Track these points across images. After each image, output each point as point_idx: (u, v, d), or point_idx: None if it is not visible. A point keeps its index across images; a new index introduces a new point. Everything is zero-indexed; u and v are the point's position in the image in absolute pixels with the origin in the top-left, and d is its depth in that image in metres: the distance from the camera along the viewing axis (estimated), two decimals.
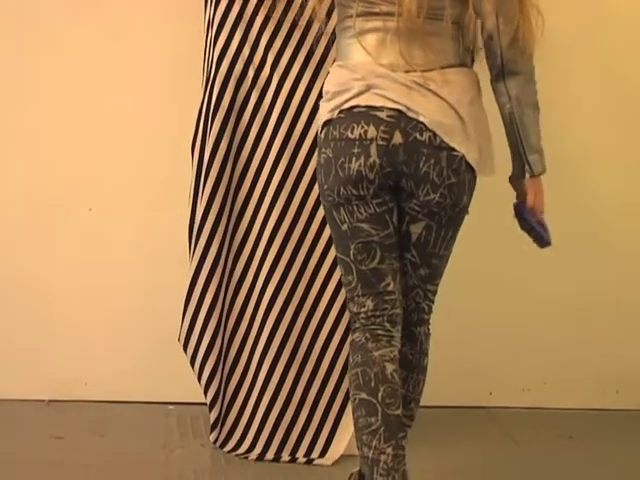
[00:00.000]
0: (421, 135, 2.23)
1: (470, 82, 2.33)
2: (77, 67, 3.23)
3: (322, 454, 3.00)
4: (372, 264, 2.31)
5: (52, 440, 3.04)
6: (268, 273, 2.94)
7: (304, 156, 2.91)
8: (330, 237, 2.92)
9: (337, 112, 2.28)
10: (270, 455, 2.99)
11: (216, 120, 2.88)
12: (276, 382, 2.97)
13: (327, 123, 2.31)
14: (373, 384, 2.27)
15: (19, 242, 3.28)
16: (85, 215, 3.29)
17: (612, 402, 3.54)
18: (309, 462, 2.99)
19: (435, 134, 2.23)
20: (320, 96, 2.85)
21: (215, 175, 2.90)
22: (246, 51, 2.89)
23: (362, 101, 2.25)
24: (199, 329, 2.95)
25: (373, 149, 2.23)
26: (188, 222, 2.96)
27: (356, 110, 2.26)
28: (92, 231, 3.29)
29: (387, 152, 2.24)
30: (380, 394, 2.26)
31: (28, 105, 3.24)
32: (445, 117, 2.25)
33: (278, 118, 2.89)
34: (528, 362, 3.49)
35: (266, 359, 2.96)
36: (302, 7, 2.90)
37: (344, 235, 2.32)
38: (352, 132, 2.25)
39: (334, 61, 2.43)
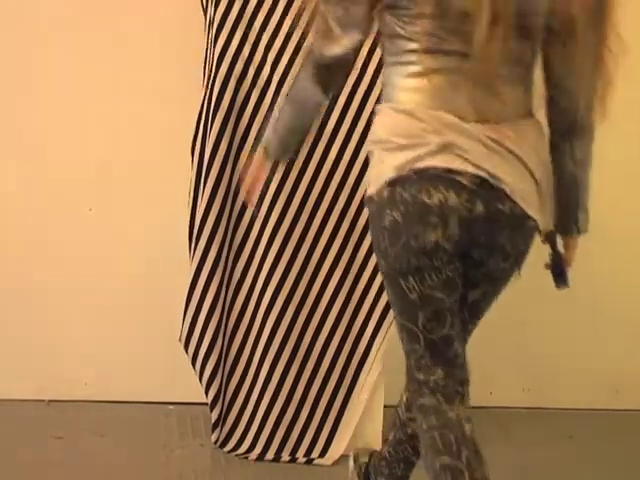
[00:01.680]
0: (503, 205, 1.99)
1: (540, 136, 2.09)
2: (77, 67, 3.23)
3: (322, 454, 3.00)
4: (442, 332, 2.09)
5: (52, 440, 3.04)
6: (268, 273, 2.94)
7: (304, 156, 2.91)
8: (330, 237, 2.94)
9: (407, 170, 1.97)
10: (270, 455, 3.00)
11: (216, 120, 2.88)
12: (276, 382, 2.97)
13: (394, 182, 1.99)
14: (455, 447, 2.10)
15: (19, 242, 3.27)
16: (85, 215, 3.29)
17: (612, 402, 3.54)
18: (309, 462, 2.99)
19: (515, 203, 2.00)
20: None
21: (215, 175, 2.90)
22: (246, 51, 2.89)
23: (440, 162, 1.97)
24: (200, 329, 2.96)
25: (453, 220, 1.97)
26: (188, 222, 2.96)
27: (433, 172, 1.97)
28: (92, 231, 3.29)
29: (468, 223, 1.98)
30: (464, 457, 2.09)
31: (28, 105, 3.24)
32: (524, 183, 2.02)
33: None
34: (528, 362, 3.50)
35: (266, 359, 2.97)
36: (302, 7, 2.91)
37: (412, 303, 2.06)
38: (429, 197, 1.96)
39: (379, 98, 2.17)
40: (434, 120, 1.97)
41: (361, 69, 2.90)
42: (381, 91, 2.12)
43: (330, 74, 2.12)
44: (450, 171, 1.96)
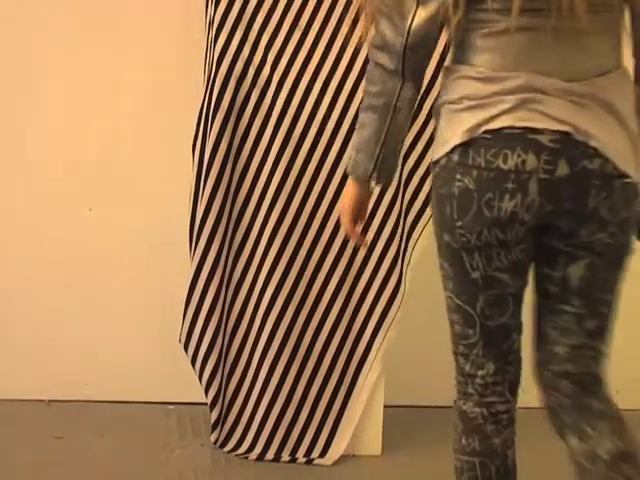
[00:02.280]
0: (591, 162, 1.78)
1: (630, 86, 1.88)
2: (77, 67, 3.23)
3: (322, 454, 3.00)
4: (502, 319, 1.91)
5: (52, 440, 3.04)
6: (268, 273, 2.94)
7: (304, 156, 2.91)
8: (330, 236, 2.94)
9: (481, 132, 1.80)
10: (270, 455, 3.00)
11: (216, 120, 2.88)
12: (276, 382, 2.97)
13: (466, 145, 1.81)
14: None
15: (19, 242, 3.27)
16: (85, 215, 3.29)
17: None
18: (309, 462, 2.99)
19: (607, 160, 1.78)
20: (320, 98, 2.91)
21: (215, 175, 2.90)
22: (246, 51, 2.89)
23: (516, 120, 1.78)
24: (200, 329, 2.96)
25: (533, 185, 1.78)
26: (188, 222, 2.96)
27: (507, 132, 1.78)
28: (92, 231, 3.29)
29: (550, 187, 1.78)
30: None
31: (28, 105, 3.24)
32: (617, 137, 1.81)
33: (278, 118, 2.89)
34: (528, 362, 3.49)
35: (266, 359, 2.97)
36: (302, 7, 2.91)
37: (472, 283, 1.88)
38: (505, 161, 1.78)
39: (452, 60, 1.94)
40: (518, 82, 1.79)
41: (362, 67, 2.90)
42: (450, 52, 1.94)
43: (414, 58, 1.89)
44: (529, 129, 1.78)
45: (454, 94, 1.86)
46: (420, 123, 2.93)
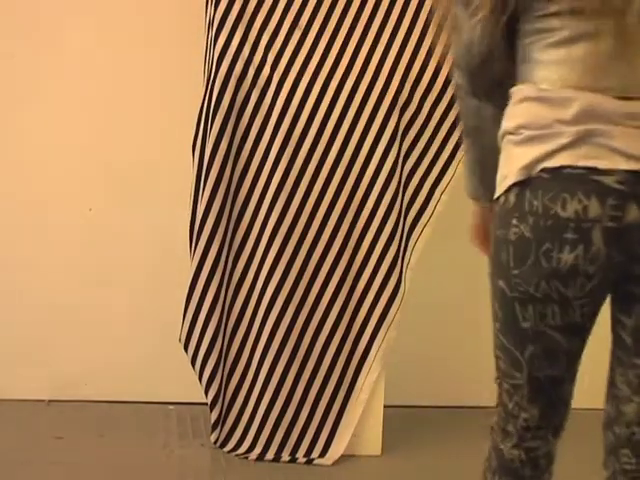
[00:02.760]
0: None
1: None
2: (77, 67, 3.23)
3: (322, 454, 3.00)
4: (551, 372, 1.73)
5: (52, 440, 3.04)
6: (268, 273, 2.94)
7: (304, 156, 2.91)
8: (330, 236, 2.94)
9: (538, 170, 1.58)
10: (270, 455, 3.00)
11: (216, 120, 2.88)
12: (276, 382, 2.97)
13: (520, 185, 1.61)
14: None
15: (19, 242, 3.28)
16: (85, 215, 3.29)
17: None
18: (309, 462, 2.99)
19: None
20: (320, 98, 2.91)
21: (215, 175, 2.90)
22: (246, 51, 2.89)
23: (578, 158, 1.56)
24: (200, 329, 2.96)
25: (597, 234, 1.56)
26: (189, 222, 2.96)
27: (567, 172, 1.56)
28: (92, 231, 3.29)
29: (618, 236, 1.57)
30: None
31: (28, 105, 3.24)
32: None
33: (278, 118, 2.89)
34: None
35: (266, 359, 2.96)
36: (302, 7, 2.91)
37: (521, 332, 1.69)
38: (563, 207, 1.56)
39: (519, 77, 1.70)
40: (582, 106, 1.56)
41: (362, 65, 2.90)
42: (520, 68, 1.70)
43: (482, 77, 1.72)
44: (591, 170, 1.56)
45: (512, 121, 1.66)
46: (421, 122, 2.93)
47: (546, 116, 1.59)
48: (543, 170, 1.58)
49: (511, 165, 1.63)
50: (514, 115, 1.66)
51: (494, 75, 1.70)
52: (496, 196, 1.68)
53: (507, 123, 1.67)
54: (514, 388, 1.76)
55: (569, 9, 1.57)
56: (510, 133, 1.65)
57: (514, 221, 1.63)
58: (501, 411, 1.82)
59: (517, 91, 1.67)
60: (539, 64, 1.63)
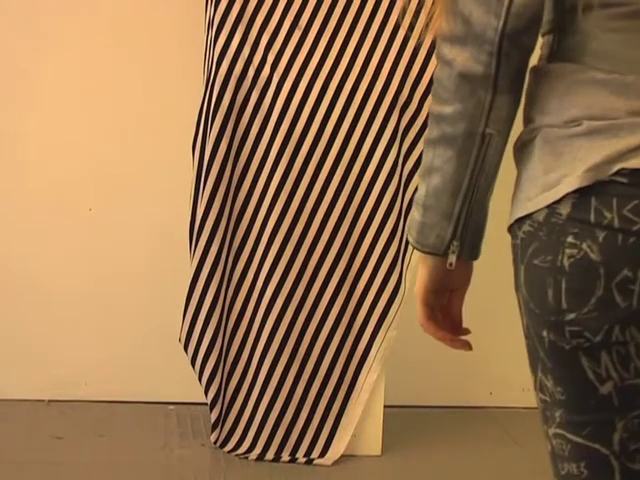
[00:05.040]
0: None
1: None
2: (77, 67, 3.23)
3: (322, 454, 3.00)
4: None
5: (52, 440, 3.04)
6: (268, 273, 2.94)
7: (304, 156, 2.91)
8: (330, 236, 2.94)
9: (613, 171, 1.14)
10: (270, 455, 2.99)
11: (216, 120, 2.88)
12: (276, 382, 2.97)
13: (581, 192, 1.15)
14: None
15: (19, 242, 3.27)
16: (85, 215, 3.29)
17: None
18: (309, 462, 2.99)
19: None
20: (320, 98, 2.91)
21: (215, 175, 2.89)
22: (246, 51, 2.89)
23: None
24: (199, 329, 2.96)
25: None
26: (188, 222, 2.96)
27: None
28: (92, 231, 3.29)
29: None
30: None
31: (28, 105, 3.24)
32: None
33: (278, 118, 2.89)
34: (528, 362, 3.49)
35: (266, 359, 2.96)
36: (302, 7, 2.91)
37: (603, 404, 1.18)
38: None
39: (549, 55, 1.27)
40: None
41: (362, 65, 2.90)
42: (546, 45, 1.28)
43: (516, 53, 1.22)
44: None
45: (563, 110, 1.19)
46: (421, 122, 2.93)
47: (620, 104, 1.16)
48: (621, 172, 1.13)
49: (565, 166, 1.17)
50: (565, 102, 1.20)
51: (529, 53, 1.23)
52: (523, 214, 1.21)
53: (551, 114, 1.21)
54: None
55: None
56: (557, 125, 1.19)
57: (570, 239, 1.15)
58: None
59: (558, 70, 1.22)
60: (599, 39, 1.19)
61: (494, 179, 1.28)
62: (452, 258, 1.30)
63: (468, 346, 1.42)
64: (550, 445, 1.26)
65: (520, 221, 1.22)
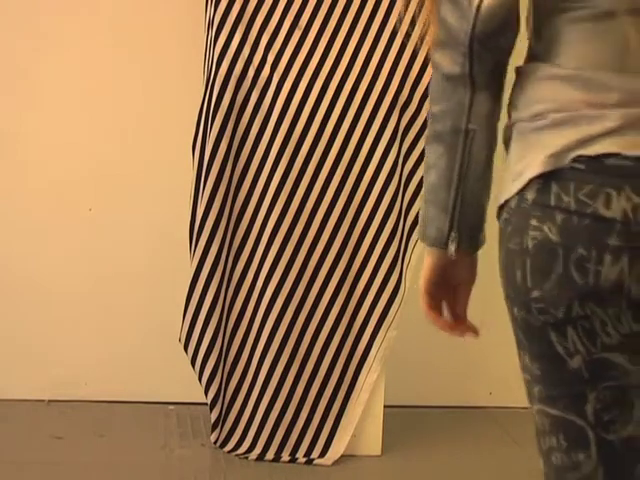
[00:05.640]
0: None
1: None
2: (77, 67, 3.23)
3: (322, 454, 3.00)
4: (628, 429, 1.25)
5: (52, 440, 3.04)
6: (268, 273, 2.94)
7: (304, 156, 2.91)
8: (330, 236, 2.94)
9: (571, 158, 1.24)
10: (270, 455, 2.99)
11: (216, 120, 2.88)
12: (276, 382, 2.97)
13: (544, 178, 1.25)
14: None
15: (19, 242, 3.27)
16: (85, 215, 3.29)
17: None
18: (309, 462, 2.99)
19: None
20: (320, 98, 2.91)
21: (215, 175, 2.90)
22: (246, 51, 2.89)
23: (628, 146, 1.22)
24: (199, 329, 2.96)
25: None
26: (188, 222, 2.96)
27: (613, 162, 1.22)
28: (92, 231, 3.29)
29: None
30: None
31: (28, 105, 3.24)
32: None
33: (278, 118, 2.89)
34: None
35: (266, 359, 2.96)
36: (302, 7, 2.91)
37: (574, 377, 1.26)
38: (607, 205, 1.21)
39: (528, 57, 1.39)
40: (617, 87, 1.25)
41: (362, 65, 2.90)
42: (530, 46, 1.38)
43: (487, 54, 1.32)
44: None
45: (530, 106, 1.30)
46: (421, 122, 2.93)
47: (580, 98, 1.25)
48: (578, 159, 1.23)
49: (530, 156, 1.27)
50: (531, 98, 1.31)
51: (505, 54, 1.34)
52: (502, 201, 1.31)
53: (521, 109, 1.32)
54: None
55: None
56: (526, 120, 1.30)
57: (534, 222, 1.25)
58: None
59: (532, 69, 1.33)
60: (567, 40, 1.29)
61: (485, 172, 1.36)
62: (452, 248, 1.37)
63: (473, 332, 1.50)
64: (535, 424, 1.32)
65: (500, 210, 1.32)
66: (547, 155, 1.25)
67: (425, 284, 1.42)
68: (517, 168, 1.30)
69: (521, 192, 1.27)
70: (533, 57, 1.36)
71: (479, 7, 1.28)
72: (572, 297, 1.24)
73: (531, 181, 1.26)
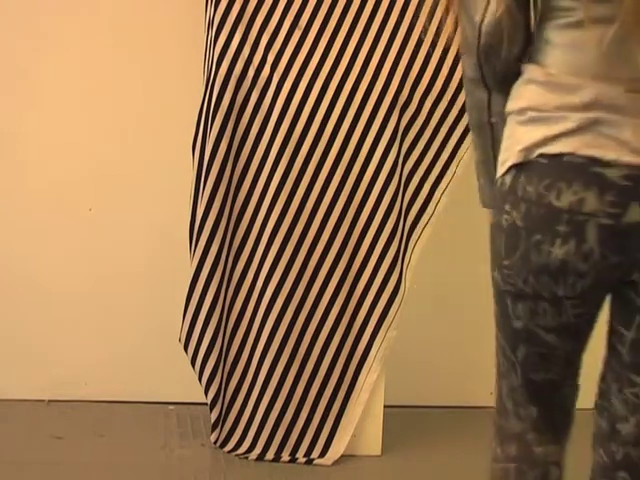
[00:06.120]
0: None
1: None
2: (77, 67, 3.23)
3: (322, 454, 3.00)
4: (547, 376, 1.64)
5: (52, 440, 3.04)
6: (268, 273, 2.94)
7: (304, 156, 2.91)
8: (330, 236, 2.94)
9: (536, 154, 1.48)
10: (270, 455, 3.00)
11: (216, 120, 2.88)
12: (276, 382, 2.97)
13: (518, 168, 1.50)
14: None
15: (19, 242, 3.27)
16: (85, 215, 3.29)
17: None
18: (309, 462, 2.99)
19: None
20: (320, 98, 2.91)
21: (215, 175, 2.90)
22: (246, 51, 2.89)
23: (580, 146, 1.44)
24: (199, 329, 2.96)
25: (591, 231, 1.44)
26: (188, 222, 2.96)
27: (567, 160, 1.45)
28: (92, 231, 3.29)
29: (615, 236, 1.44)
30: None
31: (28, 105, 3.24)
32: None
33: (278, 118, 2.89)
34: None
35: (266, 359, 2.96)
36: (302, 7, 2.91)
37: (514, 333, 1.60)
38: (558, 197, 1.45)
39: (528, 57, 1.58)
40: (585, 91, 1.45)
41: (362, 65, 2.90)
42: (531, 48, 1.58)
43: (493, 62, 1.56)
44: (593, 160, 1.43)
45: (517, 102, 1.54)
46: (421, 122, 2.93)
47: (551, 102, 1.47)
48: (541, 155, 1.47)
49: (512, 146, 1.52)
50: (519, 96, 1.54)
51: (508, 59, 1.55)
52: (495, 178, 1.58)
53: (511, 103, 1.56)
54: (511, 390, 1.67)
55: None
56: (514, 113, 1.54)
57: (507, 207, 1.52)
58: (500, 408, 1.73)
59: (524, 70, 1.55)
60: (550, 45, 1.50)
61: None
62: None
63: None
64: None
65: (495, 181, 1.59)
66: (520, 149, 1.50)
67: None
68: (504, 156, 1.55)
69: (503, 176, 1.54)
70: (529, 58, 1.56)
71: (482, 23, 1.52)
72: (529, 271, 1.51)
73: (510, 169, 1.52)
